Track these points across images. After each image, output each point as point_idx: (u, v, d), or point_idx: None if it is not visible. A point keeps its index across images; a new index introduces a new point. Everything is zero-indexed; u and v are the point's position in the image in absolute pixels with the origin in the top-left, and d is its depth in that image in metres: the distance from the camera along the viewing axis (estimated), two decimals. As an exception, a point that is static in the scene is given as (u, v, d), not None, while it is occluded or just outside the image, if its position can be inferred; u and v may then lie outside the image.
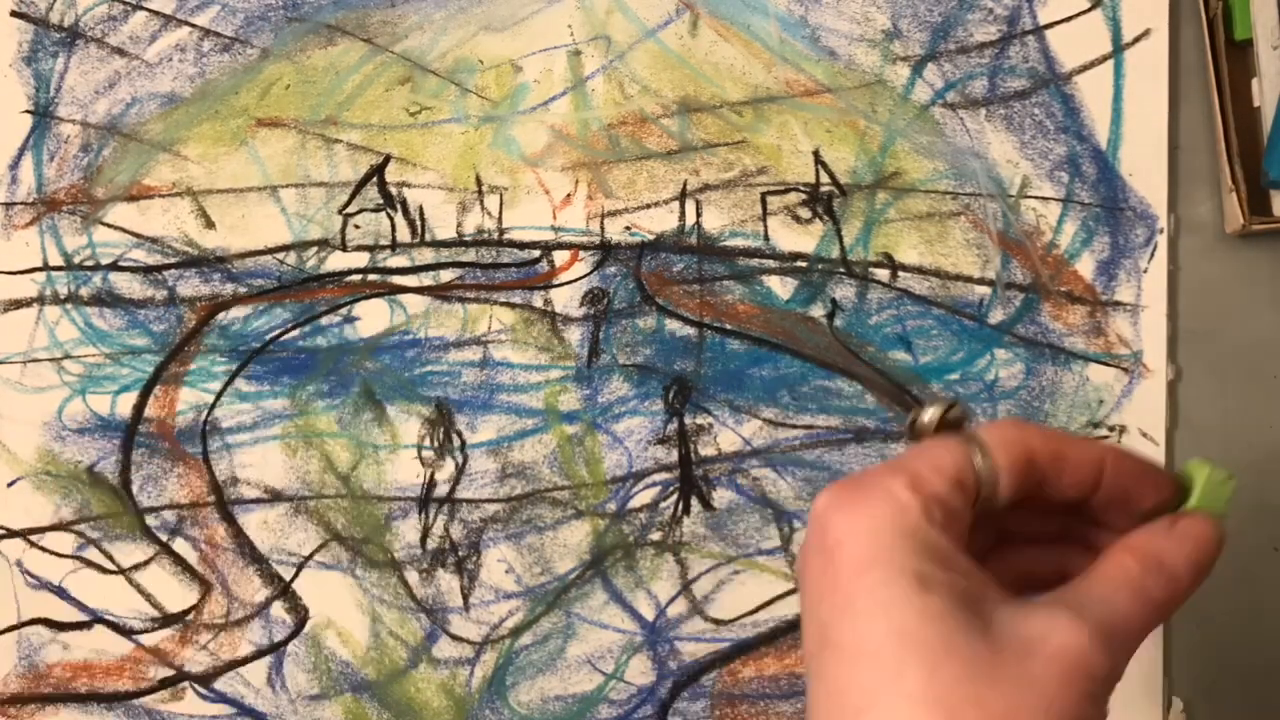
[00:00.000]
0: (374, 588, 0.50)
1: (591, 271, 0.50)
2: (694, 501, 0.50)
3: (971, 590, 0.28)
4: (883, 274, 0.50)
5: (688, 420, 0.50)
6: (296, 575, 0.51)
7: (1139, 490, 0.31)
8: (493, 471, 0.50)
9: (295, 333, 0.51)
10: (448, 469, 0.50)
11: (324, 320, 0.51)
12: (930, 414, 0.31)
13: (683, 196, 0.50)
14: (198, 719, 0.51)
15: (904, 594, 0.27)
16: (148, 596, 0.51)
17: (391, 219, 0.51)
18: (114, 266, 0.51)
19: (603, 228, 0.51)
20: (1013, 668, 0.27)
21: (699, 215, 0.50)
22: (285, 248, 0.51)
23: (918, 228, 0.50)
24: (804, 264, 0.50)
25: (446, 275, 0.51)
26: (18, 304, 0.52)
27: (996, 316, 0.50)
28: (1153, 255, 0.49)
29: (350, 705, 0.50)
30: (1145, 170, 0.50)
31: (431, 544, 0.50)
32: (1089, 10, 0.50)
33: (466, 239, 0.51)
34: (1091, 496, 0.31)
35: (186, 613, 0.51)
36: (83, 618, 0.51)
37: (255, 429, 0.51)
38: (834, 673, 0.28)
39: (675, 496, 0.50)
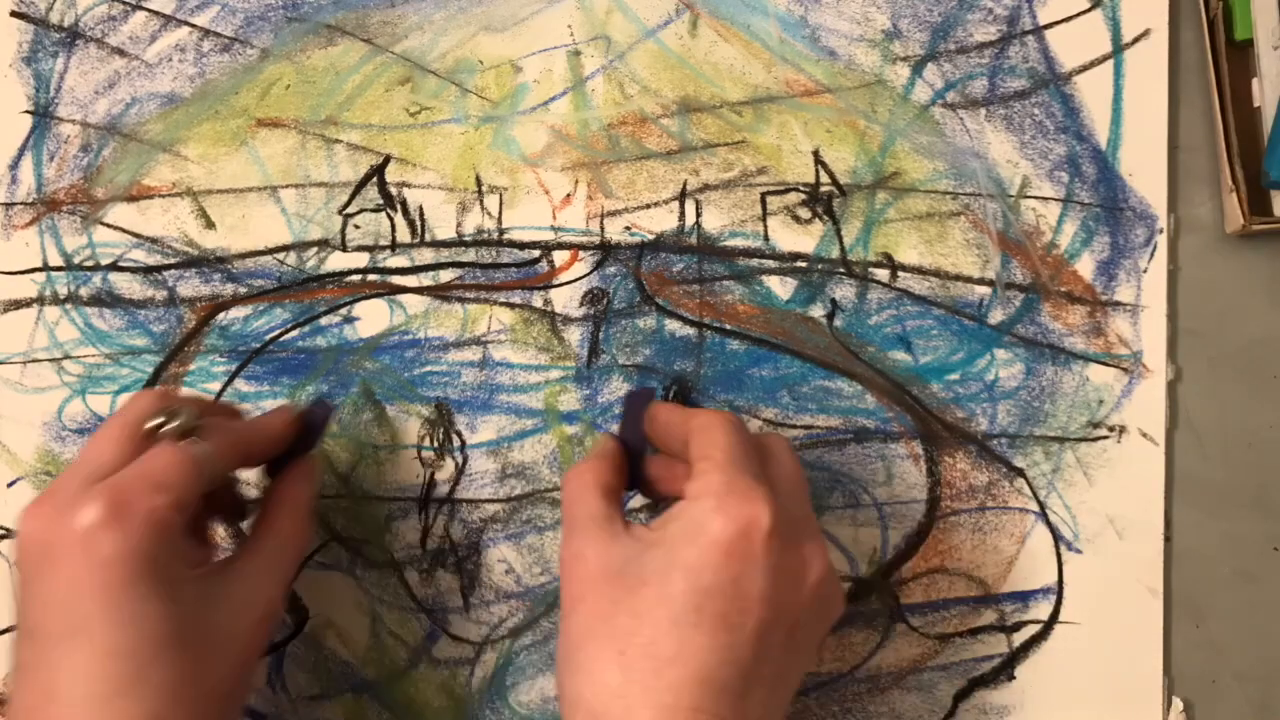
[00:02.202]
0: (374, 588, 0.50)
1: (591, 271, 0.50)
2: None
3: None
4: (883, 274, 0.50)
5: (688, 420, 0.50)
6: (296, 575, 0.51)
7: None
8: (493, 472, 0.50)
9: (295, 333, 0.51)
10: (448, 469, 0.50)
11: (324, 320, 0.51)
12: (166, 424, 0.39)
13: (683, 196, 0.50)
14: (198, 719, 0.51)
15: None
16: (148, 596, 0.51)
17: (391, 219, 0.51)
18: (114, 267, 0.51)
19: (602, 228, 0.51)
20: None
21: (699, 215, 0.50)
22: (285, 248, 0.51)
23: (918, 228, 0.50)
24: (804, 264, 0.50)
25: (446, 275, 0.51)
26: (17, 304, 0.52)
27: (996, 316, 0.50)
28: (1153, 255, 0.49)
29: (350, 705, 0.50)
30: (1145, 170, 0.50)
31: (431, 544, 0.50)
32: (1089, 10, 0.50)
33: (466, 239, 0.51)
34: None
35: (186, 613, 0.51)
36: (83, 618, 0.51)
37: (255, 429, 0.51)
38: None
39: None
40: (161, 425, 0.39)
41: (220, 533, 0.48)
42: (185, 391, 0.45)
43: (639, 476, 0.44)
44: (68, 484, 0.38)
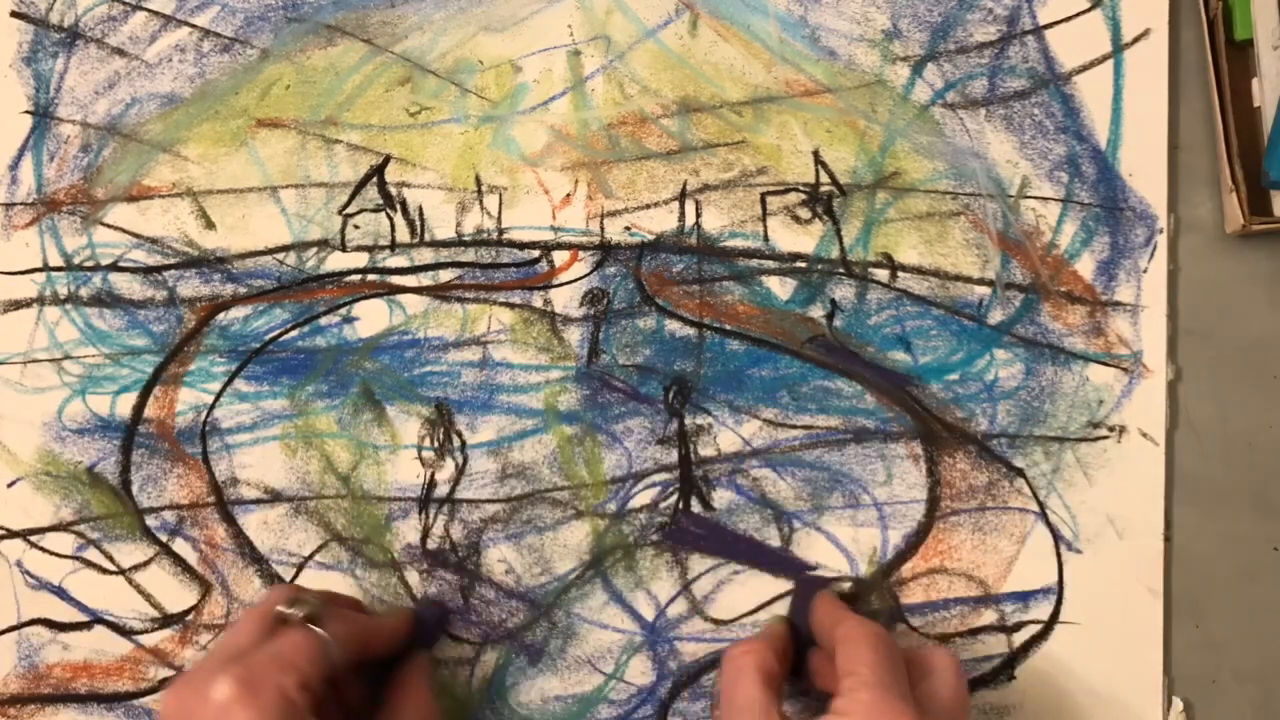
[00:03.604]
0: (374, 588, 0.50)
1: (591, 271, 0.50)
2: (694, 501, 0.50)
3: None
4: (882, 274, 0.50)
5: (687, 420, 0.50)
6: (296, 575, 0.51)
7: None
8: (493, 472, 0.50)
9: (295, 333, 0.51)
10: (448, 469, 0.50)
11: (323, 320, 0.51)
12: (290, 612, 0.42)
13: (682, 196, 0.50)
14: (198, 719, 0.51)
15: None
16: (148, 597, 0.51)
17: (391, 219, 0.51)
18: (114, 267, 0.51)
19: (602, 228, 0.51)
20: None
21: (699, 215, 0.50)
22: (285, 248, 0.51)
23: (917, 228, 0.50)
24: (804, 264, 0.50)
25: (446, 275, 0.51)
26: (18, 304, 0.52)
27: (996, 316, 0.50)
28: (1152, 255, 0.49)
29: (350, 705, 0.50)
30: (1145, 170, 0.50)
31: (431, 544, 0.50)
32: (1089, 10, 0.50)
33: (466, 239, 0.51)
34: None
35: (186, 613, 0.51)
36: (83, 618, 0.51)
37: (255, 429, 0.51)
38: None
39: (675, 497, 0.50)
40: (289, 611, 0.42)
41: None
42: (312, 590, 0.47)
43: (803, 664, 0.45)
44: (207, 665, 0.40)
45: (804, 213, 0.50)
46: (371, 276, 0.51)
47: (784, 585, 0.49)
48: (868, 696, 0.38)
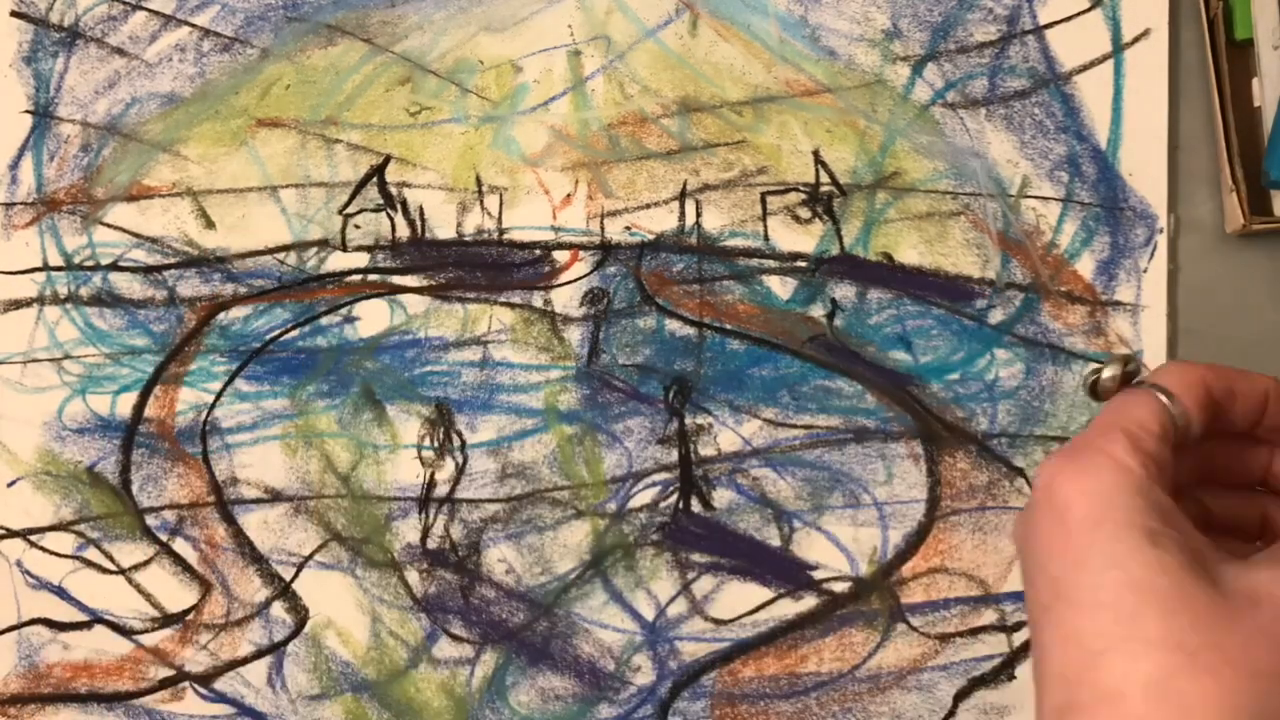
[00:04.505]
0: (374, 588, 0.50)
1: (591, 271, 0.50)
2: (694, 501, 0.50)
3: (1194, 546, 0.30)
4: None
5: (688, 420, 0.50)
6: (296, 575, 0.51)
7: None
8: (493, 471, 0.50)
9: (295, 333, 0.51)
10: (448, 469, 0.50)
11: (324, 320, 0.51)
12: (1110, 372, 0.34)
13: (683, 196, 0.50)
14: (198, 719, 0.51)
15: (1137, 547, 0.29)
16: (148, 596, 0.51)
17: (391, 219, 0.51)
18: (114, 266, 0.51)
19: (603, 228, 0.51)
20: (1244, 616, 0.29)
21: (699, 215, 0.50)
22: (285, 248, 0.51)
23: (918, 228, 0.50)
24: (804, 264, 0.50)
25: (446, 275, 0.51)
26: (18, 304, 0.52)
27: (996, 316, 0.50)
28: (1153, 255, 0.49)
29: (350, 705, 0.50)
30: (1145, 170, 0.50)
31: (431, 544, 0.50)
32: (1089, 10, 0.50)
33: (466, 239, 0.51)
34: (1258, 425, 0.34)
35: (186, 613, 0.51)
36: (83, 618, 0.51)
37: (255, 429, 0.51)
38: (1072, 622, 0.30)
39: (675, 497, 0.50)
40: (1105, 376, 0.34)
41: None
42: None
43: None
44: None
45: (804, 212, 0.50)
46: (372, 276, 0.51)
47: (784, 585, 0.49)
48: None
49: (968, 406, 0.49)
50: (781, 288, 0.50)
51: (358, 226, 0.51)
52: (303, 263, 0.51)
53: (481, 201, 0.51)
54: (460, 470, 0.50)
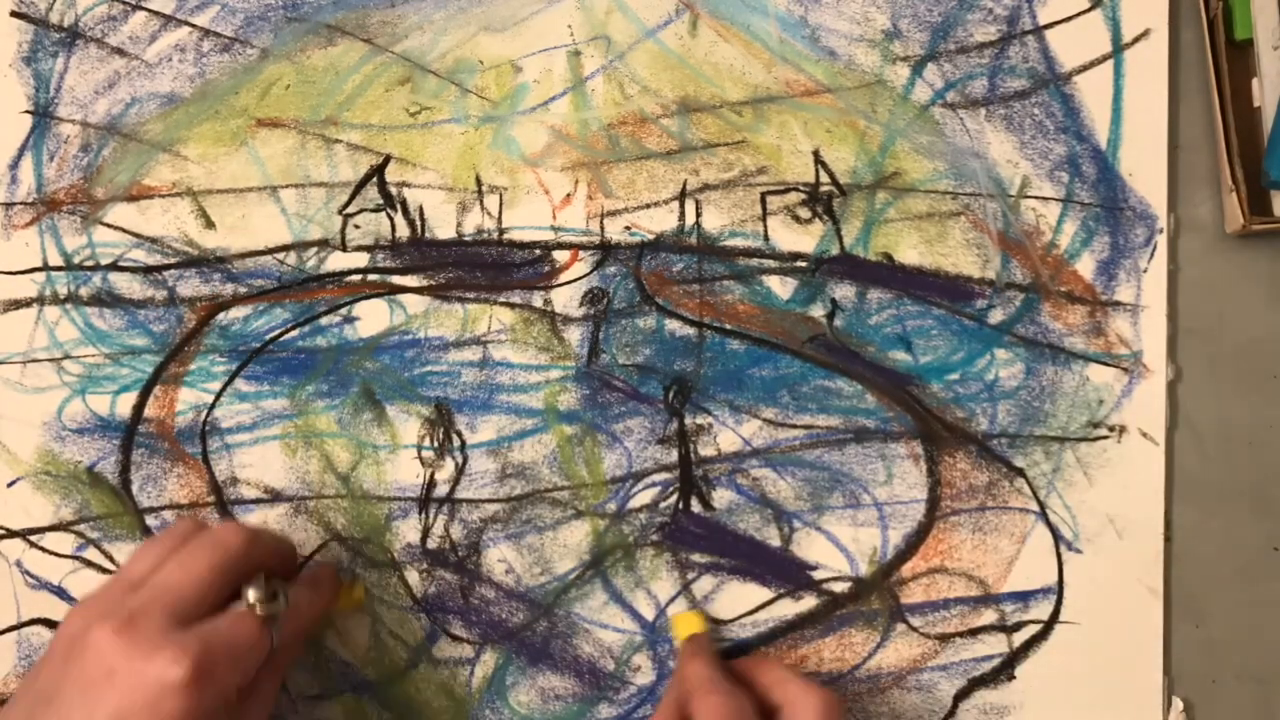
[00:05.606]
0: (374, 588, 0.50)
1: (591, 271, 0.50)
2: (694, 501, 0.50)
3: None
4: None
5: (688, 420, 0.50)
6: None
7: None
8: (493, 471, 0.50)
9: (295, 333, 0.51)
10: (448, 469, 0.50)
11: (324, 320, 0.51)
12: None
13: (683, 196, 0.50)
14: (198, 719, 0.51)
15: None
16: (148, 596, 0.51)
17: (391, 219, 0.51)
18: (114, 266, 0.51)
19: (603, 228, 0.51)
20: None
21: (699, 215, 0.50)
22: (285, 248, 0.51)
23: (918, 228, 0.50)
24: (804, 264, 0.50)
25: (446, 275, 0.51)
26: (17, 304, 0.52)
27: (996, 316, 0.50)
28: (1153, 255, 0.49)
29: (350, 705, 0.50)
30: (1145, 170, 0.50)
31: (431, 544, 0.50)
32: (1089, 10, 0.50)
33: (466, 239, 0.51)
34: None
35: (186, 613, 0.51)
36: (83, 618, 0.51)
37: (255, 429, 0.51)
38: None
39: (675, 497, 0.50)
40: (260, 607, 0.40)
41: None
42: (267, 532, 0.45)
43: None
44: (149, 609, 0.37)
45: (804, 212, 0.50)
46: (372, 276, 0.51)
47: (784, 585, 0.49)
48: None
49: (968, 406, 0.49)
50: (781, 288, 0.50)
51: (357, 226, 0.51)
52: (302, 263, 0.51)
53: (481, 201, 0.51)
54: (460, 470, 0.50)
